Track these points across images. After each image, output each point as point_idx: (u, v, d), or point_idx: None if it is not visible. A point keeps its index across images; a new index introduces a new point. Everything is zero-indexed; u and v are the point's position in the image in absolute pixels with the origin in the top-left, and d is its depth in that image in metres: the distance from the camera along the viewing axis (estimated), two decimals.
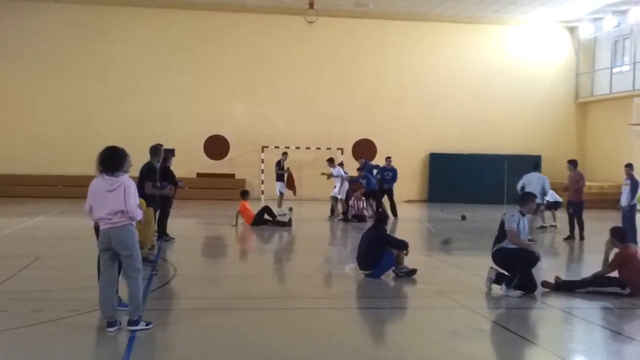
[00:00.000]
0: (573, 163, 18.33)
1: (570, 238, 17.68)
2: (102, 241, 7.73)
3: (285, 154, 24.50)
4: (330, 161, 23.05)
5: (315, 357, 6.98)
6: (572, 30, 32.79)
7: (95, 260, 8.34)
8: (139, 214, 7.74)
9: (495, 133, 31.89)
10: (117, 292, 8.10)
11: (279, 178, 23.57)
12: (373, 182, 22.12)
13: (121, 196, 7.58)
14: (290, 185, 23.78)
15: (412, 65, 31.73)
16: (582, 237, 17.61)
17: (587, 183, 28.28)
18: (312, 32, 27.72)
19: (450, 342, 7.67)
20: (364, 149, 31.04)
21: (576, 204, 17.79)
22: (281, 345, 7.41)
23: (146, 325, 7.72)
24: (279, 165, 23.75)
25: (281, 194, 23.43)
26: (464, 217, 22.55)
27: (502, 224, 10.24)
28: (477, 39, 32.31)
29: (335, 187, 22.36)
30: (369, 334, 8.38)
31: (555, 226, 19.83)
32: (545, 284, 10.44)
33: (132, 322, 7.67)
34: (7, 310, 8.46)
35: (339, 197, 22.08)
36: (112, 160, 7.72)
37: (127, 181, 7.68)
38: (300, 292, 10.58)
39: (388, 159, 23.52)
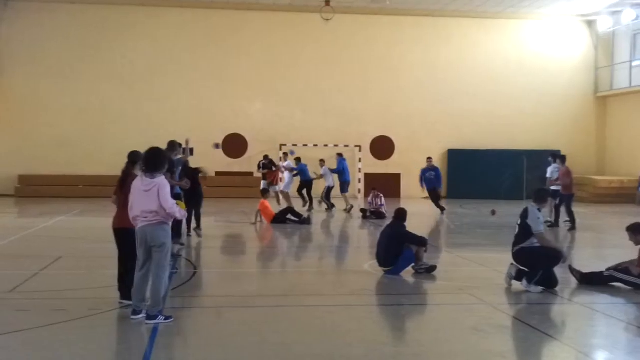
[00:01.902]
0: (562, 159, 19.27)
1: (553, 226, 18.71)
2: (139, 238, 7.97)
3: (266, 156, 25.15)
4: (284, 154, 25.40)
5: (335, 354, 6.97)
6: (590, 24, 32.53)
7: (115, 260, 8.45)
8: (176, 212, 7.91)
9: (513, 128, 31.72)
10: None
11: (264, 177, 24.34)
12: (307, 174, 23.99)
13: (155, 196, 7.79)
14: (272, 180, 24.21)
15: (429, 62, 31.63)
16: (573, 228, 18.28)
17: (607, 177, 28.49)
18: (328, 30, 27.75)
19: (471, 339, 7.63)
20: (381, 146, 31.05)
21: (564, 196, 18.63)
22: (300, 342, 7.41)
23: (165, 320, 7.83)
24: (260, 166, 24.65)
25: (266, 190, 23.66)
26: (493, 212, 22.36)
27: (523, 223, 10.09)
28: (494, 34, 32.15)
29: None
30: (388, 330, 8.35)
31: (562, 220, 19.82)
32: (572, 269, 10.44)
33: (150, 317, 7.82)
34: (29, 309, 8.54)
35: (278, 189, 24.10)
36: (153, 161, 7.93)
37: (161, 182, 7.88)
38: (319, 289, 10.58)
39: (429, 159, 23.47)
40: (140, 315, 7.90)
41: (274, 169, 24.48)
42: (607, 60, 32.41)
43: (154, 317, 7.78)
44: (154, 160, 7.94)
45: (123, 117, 29.91)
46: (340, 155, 24.86)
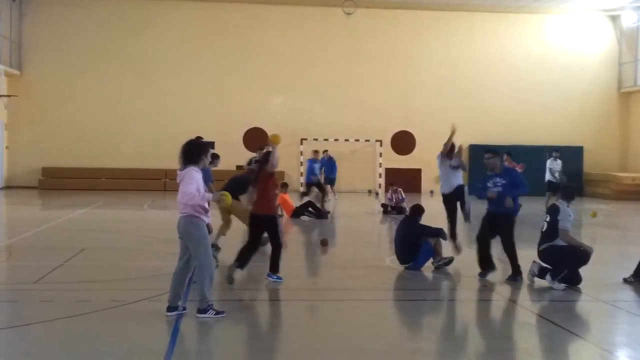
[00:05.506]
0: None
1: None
2: (177, 229, 7.96)
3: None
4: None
5: (357, 349, 6.97)
6: (614, 18, 32.20)
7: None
8: (189, 200, 7.70)
9: (536, 124, 31.49)
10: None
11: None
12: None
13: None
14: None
15: (451, 56, 31.47)
16: None
17: (631, 174, 28.72)
18: (349, 24, 27.69)
19: (494, 335, 7.61)
20: (402, 140, 30.95)
21: None
22: (322, 336, 7.42)
23: (216, 314, 7.82)
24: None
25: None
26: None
27: (552, 220, 9.91)
28: (517, 29, 31.92)
29: None
30: (410, 326, 8.34)
31: None
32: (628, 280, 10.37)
33: (200, 310, 7.84)
34: (54, 300, 8.63)
35: None
36: (187, 154, 7.94)
37: (188, 171, 7.81)
38: (340, 284, 10.57)
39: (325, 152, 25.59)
40: (175, 312, 7.84)
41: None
42: (631, 55, 32.07)
43: (205, 311, 7.80)
44: (187, 154, 7.93)
45: (144, 111, 30.07)
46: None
